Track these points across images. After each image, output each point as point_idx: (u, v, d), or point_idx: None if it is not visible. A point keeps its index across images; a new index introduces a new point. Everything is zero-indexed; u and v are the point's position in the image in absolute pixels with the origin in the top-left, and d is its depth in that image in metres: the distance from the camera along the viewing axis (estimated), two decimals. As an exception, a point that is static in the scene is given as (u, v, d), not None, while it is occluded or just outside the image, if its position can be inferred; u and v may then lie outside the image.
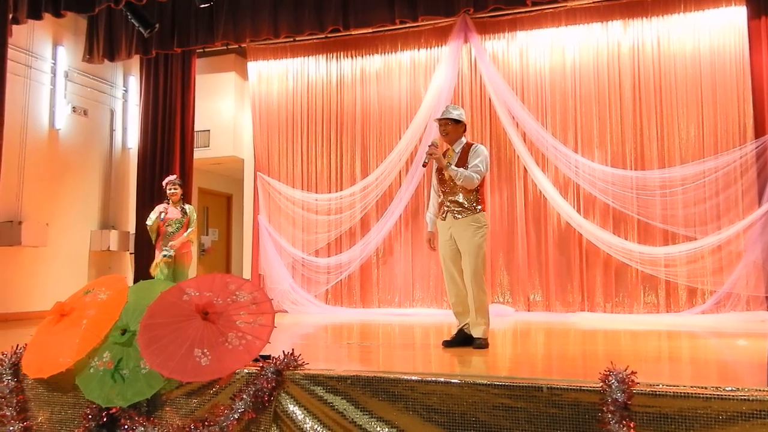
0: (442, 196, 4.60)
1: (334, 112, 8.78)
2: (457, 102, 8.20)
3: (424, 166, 4.64)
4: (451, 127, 4.57)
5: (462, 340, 4.46)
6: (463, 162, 4.47)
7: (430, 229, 4.77)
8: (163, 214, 6.82)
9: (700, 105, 7.38)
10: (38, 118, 7.84)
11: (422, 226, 8.28)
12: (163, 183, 7.14)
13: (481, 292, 4.38)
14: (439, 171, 4.59)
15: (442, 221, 4.57)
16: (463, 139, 4.62)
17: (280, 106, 9.01)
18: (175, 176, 7.38)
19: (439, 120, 4.63)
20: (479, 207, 4.47)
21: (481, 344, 4.32)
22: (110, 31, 8.19)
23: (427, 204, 4.88)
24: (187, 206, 7.07)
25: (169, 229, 6.81)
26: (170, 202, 6.93)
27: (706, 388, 2.58)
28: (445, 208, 4.54)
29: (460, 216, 4.45)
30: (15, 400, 3.49)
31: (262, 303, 3.43)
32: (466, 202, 4.46)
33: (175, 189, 6.96)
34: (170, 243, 6.73)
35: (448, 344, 4.46)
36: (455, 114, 4.57)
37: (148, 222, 6.85)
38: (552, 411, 2.70)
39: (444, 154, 4.54)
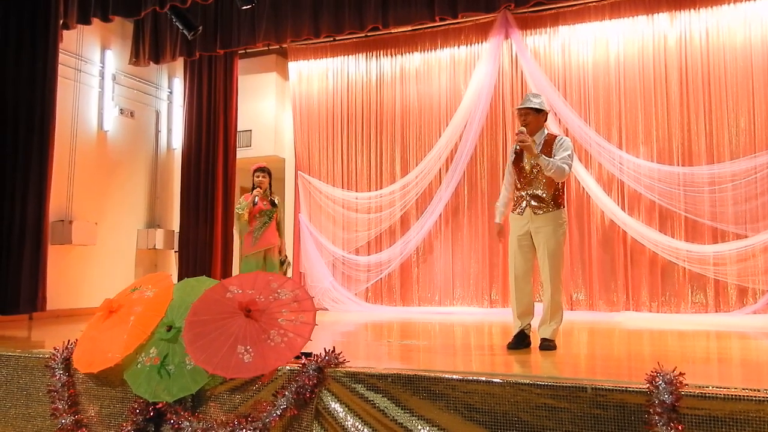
0: (519, 190, 4.30)
1: (374, 110, 8.80)
2: (498, 99, 8.13)
3: (515, 153, 4.31)
4: (532, 117, 4.28)
5: (524, 340, 4.25)
6: (546, 154, 4.19)
7: (497, 221, 4.52)
8: (255, 199, 6.12)
9: (752, 98, 7.14)
10: (87, 120, 8.07)
11: (462, 225, 8.25)
12: (252, 169, 6.46)
13: (558, 293, 4.20)
14: (518, 161, 4.32)
15: (518, 216, 4.27)
16: (545, 130, 4.34)
17: (320, 106, 9.08)
18: (264, 164, 6.69)
19: (519, 109, 4.34)
20: (560, 201, 4.22)
21: (551, 346, 4.13)
22: (155, 35, 8.38)
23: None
24: (275, 197, 6.40)
25: (258, 223, 6.18)
26: (259, 191, 6.21)
27: (758, 390, 2.50)
28: (524, 203, 4.25)
29: (541, 211, 4.18)
30: (67, 394, 3.60)
31: (304, 301, 3.47)
32: (547, 197, 4.19)
33: (264, 177, 6.29)
34: (280, 251, 6.25)
35: (514, 347, 4.20)
36: (536, 102, 4.31)
37: (238, 209, 6.17)
38: (596, 412, 2.65)
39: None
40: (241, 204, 6.19)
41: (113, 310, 3.71)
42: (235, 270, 9.39)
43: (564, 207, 4.27)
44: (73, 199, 7.71)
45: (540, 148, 4.22)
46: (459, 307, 8.10)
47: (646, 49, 7.62)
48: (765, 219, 6.90)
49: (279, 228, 6.37)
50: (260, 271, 4.53)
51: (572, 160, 4.22)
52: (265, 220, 6.22)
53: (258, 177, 6.29)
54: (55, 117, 6.79)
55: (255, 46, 8.34)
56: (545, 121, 4.39)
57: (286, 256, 6.38)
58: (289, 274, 6.47)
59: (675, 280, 7.25)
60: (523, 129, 4.22)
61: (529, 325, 4.30)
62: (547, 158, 4.13)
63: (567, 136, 7.59)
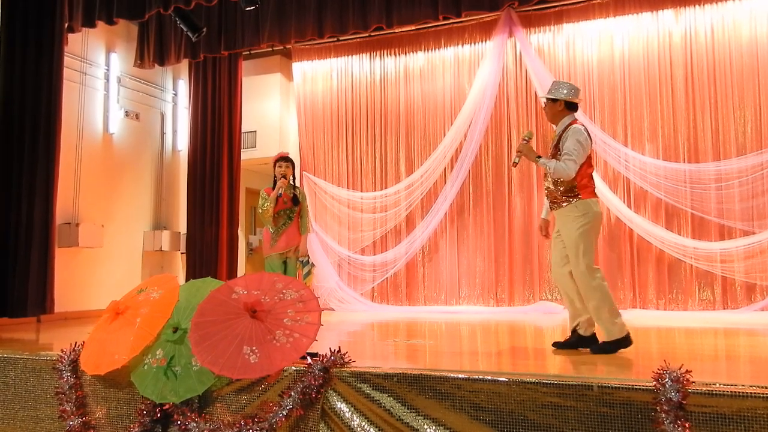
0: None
1: (379, 110, 8.80)
2: (502, 97, 8.11)
3: (513, 166, 4.23)
4: (548, 107, 4.16)
5: (575, 342, 4.07)
6: (558, 146, 4.05)
7: (543, 216, 4.34)
8: (280, 192, 5.66)
9: (758, 94, 7.11)
10: (93, 123, 8.09)
11: (468, 224, 8.25)
12: (273, 159, 5.96)
13: (591, 289, 3.88)
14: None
15: (549, 211, 4.21)
16: (567, 120, 4.10)
17: (324, 106, 9.09)
18: (286, 152, 6.17)
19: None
20: (578, 193, 3.96)
21: (601, 348, 3.86)
22: (160, 37, 8.40)
23: None
24: (297, 191, 5.92)
25: (280, 222, 5.75)
26: (284, 181, 5.75)
27: (766, 387, 2.48)
28: (545, 198, 4.20)
29: (557, 206, 4.04)
30: (74, 396, 3.62)
31: (309, 301, 3.47)
32: (560, 190, 4.02)
33: (287, 167, 5.78)
34: (299, 255, 5.80)
35: (558, 346, 4.09)
36: (550, 91, 4.16)
37: (261, 205, 5.71)
38: (603, 410, 2.64)
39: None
40: (264, 198, 5.70)
41: (120, 312, 3.72)
42: (241, 271, 9.42)
43: (587, 198, 3.97)
44: (80, 202, 7.74)
45: (556, 140, 4.10)
46: (465, 306, 8.09)
47: (651, 46, 7.59)
48: (772, 215, 6.87)
49: (301, 223, 5.88)
50: (265, 272, 4.52)
51: (580, 150, 3.93)
52: (285, 219, 5.78)
53: (281, 167, 5.77)
54: (60, 120, 6.81)
55: (259, 47, 8.36)
56: (563, 109, 4.12)
57: (307, 257, 5.81)
58: (312, 278, 5.92)
59: (682, 278, 7.22)
60: (528, 135, 4.19)
61: (579, 324, 4.07)
62: (545, 161, 4.02)
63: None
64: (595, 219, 3.98)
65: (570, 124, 4.07)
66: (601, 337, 3.96)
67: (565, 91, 4.13)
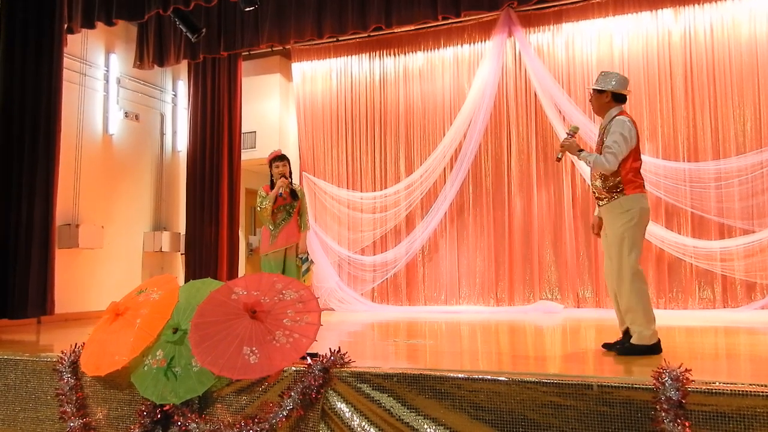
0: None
1: (378, 110, 8.80)
2: (502, 97, 8.10)
3: (557, 161, 4.17)
4: (594, 99, 4.07)
5: (621, 343, 3.94)
6: (603, 139, 3.95)
7: (596, 214, 4.19)
8: (281, 192, 5.62)
9: (757, 92, 7.11)
10: (92, 124, 8.09)
11: (467, 223, 8.26)
12: (268, 158, 5.92)
13: (628, 291, 3.76)
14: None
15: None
16: (614, 111, 3.99)
17: (324, 106, 9.09)
18: (280, 150, 6.12)
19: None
20: (622, 188, 3.84)
21: (631, 350, 3.72)
22: (159, 38, 8.40)
23: None
24: (296, 187, 5.87)
25: (277, 219, 5.70)
26: (284, 181, 5.70)
27: (766, 386, 2.48)
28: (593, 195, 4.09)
29: (602, 202, 3.95)
30: (75, 397, 3.62)
31: (309, 301, 3.47)
32: (604, 186, 3.91)
33: (284, 165, 5.74)
34: (299, 252, 5.71)
35: (609, 348, 3.98)
36: (596, 82, 4.05)
37: (260, 203, 5.67)
38: (603, 409, 2.65)
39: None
40: (263, 197, 5.67)
41: (120, 313, 3.72)
42: (241, 271, 9.42)
43: (632, 193, 3.84)
44: (80, 203, 7.74)
45: (601, 132, 4.05)
46: (465, 306, 8.09)
47: (651, 45, 7.60)
48: (772, 214, 6.87)
49: (301, 220, 5.79)
50: (265, 273, 4.51)
51: (622, 142, 3.81)
52: (284, 215, 5.73)
53: (278, 167, 5.73)
54: (60, 121, 6.81)
55: (258, 47, 8.36)
56: (610, 100, 4.02)
57: (307, 254, 5.79)
58: (311, 276, 5.86)
59: (682, 276, 7.22)
60: (573, 129, 4.13)
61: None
62: (587, 155, 3.95)
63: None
64: (641, 215, 3.83)
65: (615, 116, 3.96)
66: (634, 340, 3.82)
67: (614, 82, 4.01)
